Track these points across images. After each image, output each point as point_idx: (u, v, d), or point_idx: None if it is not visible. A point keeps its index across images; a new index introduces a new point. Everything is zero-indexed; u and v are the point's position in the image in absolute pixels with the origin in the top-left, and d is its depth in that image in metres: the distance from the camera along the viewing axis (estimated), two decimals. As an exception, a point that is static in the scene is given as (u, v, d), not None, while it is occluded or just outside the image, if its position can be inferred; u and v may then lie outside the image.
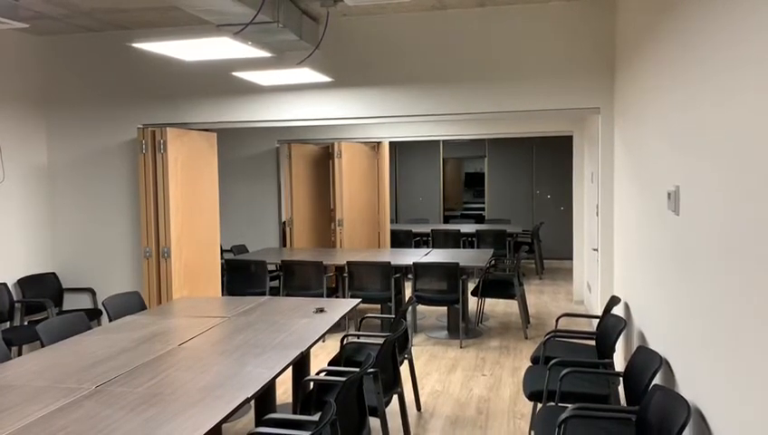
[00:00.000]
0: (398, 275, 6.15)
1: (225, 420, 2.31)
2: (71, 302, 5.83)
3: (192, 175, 5.61)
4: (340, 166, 7.65)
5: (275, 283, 6.59)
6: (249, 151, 8.15)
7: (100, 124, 5.74)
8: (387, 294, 6.10)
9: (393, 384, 3.66)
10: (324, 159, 8.29)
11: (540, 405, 3.36)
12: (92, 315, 5.45)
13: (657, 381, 3.01)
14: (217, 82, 5.51)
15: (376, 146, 8.19)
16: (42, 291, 5.59)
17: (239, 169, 8.19)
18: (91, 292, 5.82)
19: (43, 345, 3.38)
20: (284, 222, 8.11)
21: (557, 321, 4.76)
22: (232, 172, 8.20)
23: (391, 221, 10.47)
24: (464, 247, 9.22)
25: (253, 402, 3.95)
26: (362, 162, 8.01)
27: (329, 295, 6.28)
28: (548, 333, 4.11)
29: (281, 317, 3.87)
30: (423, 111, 5.14)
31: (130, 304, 4.27)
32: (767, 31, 1.74)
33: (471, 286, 6.95)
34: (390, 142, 8.15)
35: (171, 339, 3.40)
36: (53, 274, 5.79)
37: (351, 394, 2.80)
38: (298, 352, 3.10)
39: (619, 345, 4.48)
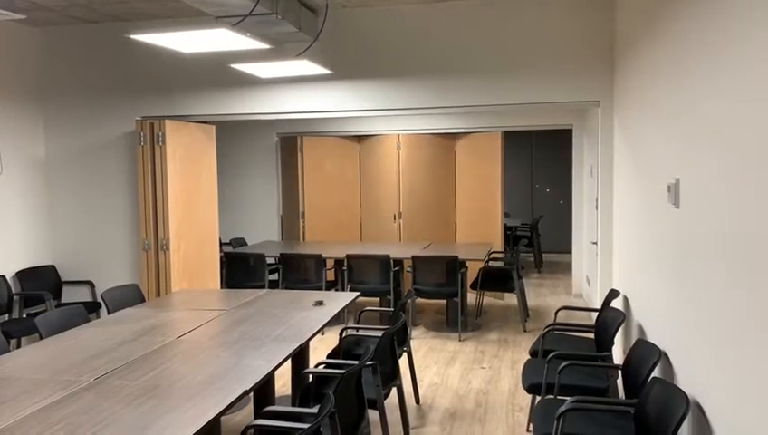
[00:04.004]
0: (397, 269, 6.15)
1: (224, 412, 2.31)
2: (69, 294, 5.82)
3: (191, 167, 5.60)
4: (399, 158, 7.81)
5: (274, 276, 6.58)
6: (248, 145, 8.13)
7: (99, 116, 5.72)
8: (386, 288, 6.10)
9: (392, 377, 3.66)
10: (340, 152, 8.17)
11: (538, 398, 3.37)
12: (91, 308, 5.45)
13: (655, 373, 3.02)
14: (216, 74, 5.48)
15: (454, 137, 8.08)
16: (40, 283, 5.59)
17: (238, 162, 8.18)
18: (90, 284, 5.81)
19: (41, 338, 3.38)
20: (281, 215, 8.09)
21: (556, 314, 4.77)
22: (231, 165, 8.19)
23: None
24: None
25: (252, 395, 3.95)
26: (427, 154, 7.92)
27: (328, 288, 6.28)
28: (547, 326, 4.11)
29: (280, 310, 3.87)
30: (422, 103, 5.12)
31: (129, 297, 4.26)
32: (769, 22, 1.73)
33: (470, 280, 6.96)
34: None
35: (170, 332, 3.39)
36: (52, 266, 5.79)
37: (350, 387, 2.80)
38: (297, 345, 3.10)
39: (618, 338, 4.48)
